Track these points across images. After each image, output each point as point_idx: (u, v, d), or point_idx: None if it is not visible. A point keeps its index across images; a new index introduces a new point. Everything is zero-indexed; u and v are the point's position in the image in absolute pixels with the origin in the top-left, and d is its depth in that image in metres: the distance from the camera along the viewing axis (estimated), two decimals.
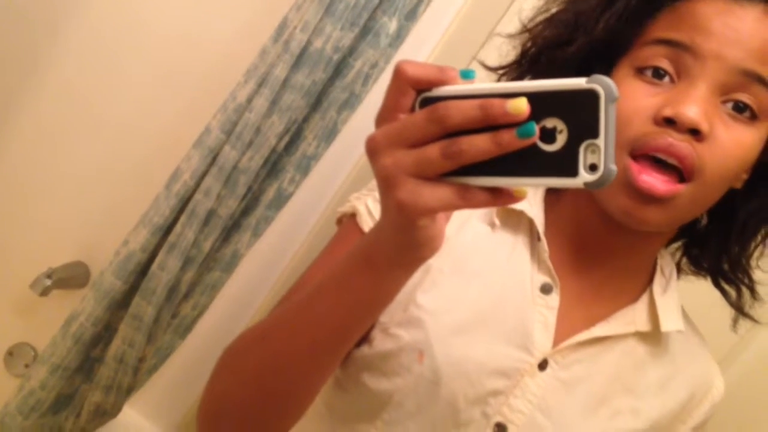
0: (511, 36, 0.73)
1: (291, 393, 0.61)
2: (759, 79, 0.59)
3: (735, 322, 0.77)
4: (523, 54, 0.72)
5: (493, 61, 1.13)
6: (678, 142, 0.59)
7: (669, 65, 0.62)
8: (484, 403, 0.67)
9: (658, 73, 0.62)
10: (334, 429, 0.74)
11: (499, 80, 0.74)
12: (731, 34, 0.59)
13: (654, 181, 0.59)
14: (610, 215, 0.65)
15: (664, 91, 0.61)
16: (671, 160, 0.59)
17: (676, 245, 0.79)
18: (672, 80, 0.62)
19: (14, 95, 1.22)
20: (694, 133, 0.59)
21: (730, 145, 0.60)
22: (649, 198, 0.60)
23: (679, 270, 0.78)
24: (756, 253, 0.75)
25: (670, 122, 0.59)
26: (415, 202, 0.43)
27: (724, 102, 0.60)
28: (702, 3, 0.62)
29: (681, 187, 0.60)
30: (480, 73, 0.75)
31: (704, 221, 0.76)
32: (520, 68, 0.73)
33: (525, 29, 0.72)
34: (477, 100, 0.41)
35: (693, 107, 0.58)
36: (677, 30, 0.62)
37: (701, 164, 0.60)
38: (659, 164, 0.60)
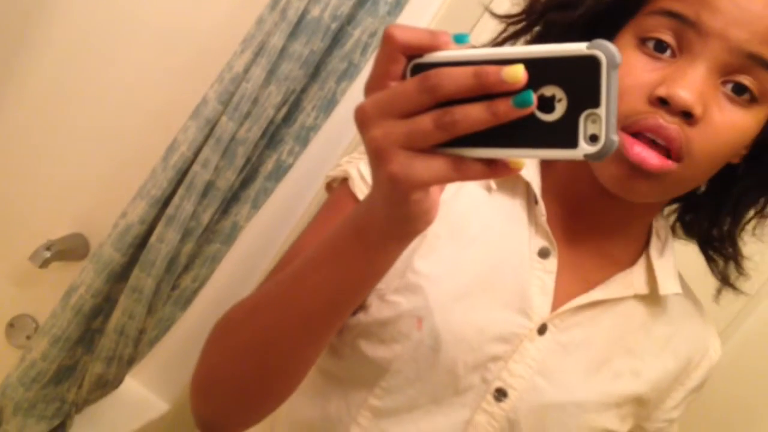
0: None
1: (283, 367, 0.60)
2: (762, 63, 0.57)
3: (718, 292, 0.77)
4: (530, 9, 0.69)
5: (495, 29, 1.12)
6: (667, 125, 0.57)
7: (672, 38, 0.59)
8: (484, 368, 0.67)
9: (661, 46, 0.60)
10: (328, 395, 0.73)
11: (505, 33, 0.72)
12: (738, 14, 0.57)
13: (647, 154, 0.58)
14: (601, 183, 0.64)
15: (663, 67, 0.59)
16: (660, 141, 0.58)
17: (671, 208, 0.79)
18: (674, 54, 0.60)
19: (9, 68, 1.21)
20: (687, 115, 0.57)
21: (722, 128, 0.59)
22: (640, 171, 0.59)
23: (672, 233, 0.78)
24: (749, 227, 0.74)
25: (663, 102, 0.57)
26: (407, 175, 0.41)
27: (724, 83, 0.59)
28: None
29: (673, 165, 0.59)
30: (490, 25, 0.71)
31: (702, 189, 0.75)
32: (525, 22, 0.70)
33: None
34: (471, 68, 0.39)
35: (687, 89, 0.56)
36: (685, 2, 0.59)
37: (689, 147, 0.58)
38: (650, 141, 0.59)
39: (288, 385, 0.63)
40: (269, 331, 0.59)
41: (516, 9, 0.71)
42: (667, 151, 0.59)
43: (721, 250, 0.74)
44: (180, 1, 1.16)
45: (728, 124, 0.59)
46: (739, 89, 0.58)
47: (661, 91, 0.57)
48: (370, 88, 0.44)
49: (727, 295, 0.77)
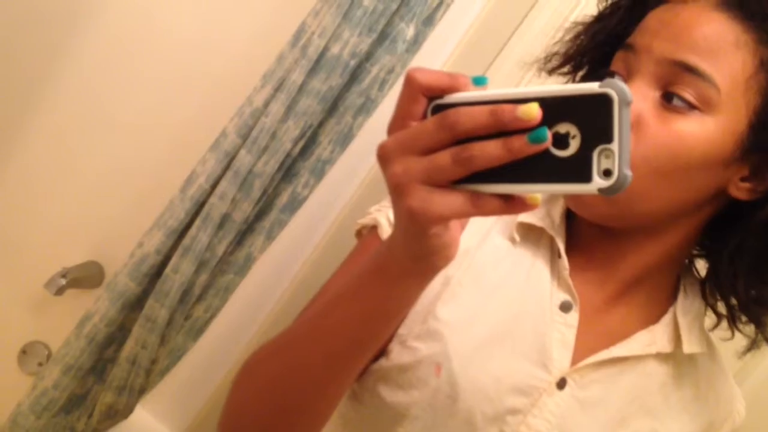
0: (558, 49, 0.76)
1: (305, 407, 0.60)
2: (690, 69, 0.59)
3: (748, 349, 0.72)
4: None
5: (509, 69, 1.14)
6: None
7: (623, 67, 0.64)
8: (502, 421, 0.66)
9: (613, 76, 0.65)
10: None
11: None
12: (663, 29, 0.61)
13: None
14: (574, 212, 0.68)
15: None
16: None
17: None
18: (625, 81, 0.63)
19: (30, 97, 1.23)
20: None
21: (661, 135, 0.60)
22: None
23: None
24: None
25: None
26: (426, 209, 0.42)
27: (664, 95, 0.61)
28: (657, 8, 0.64)
29: None
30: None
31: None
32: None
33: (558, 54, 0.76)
34: (488, 106, 0.40)
35: None
36: (633, 34, 0.65)
37: None
38: None
39: (309, 426, 0.62)
40: (292, 370, 0.60)
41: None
42: None
43: (747, 314, 0.69)
44: (201, 36, 1.19)
45: (666, 132, 0.60)
46: (675, 98, 0.60)
47: None
48: (393, 127, 0.45)
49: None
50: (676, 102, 0.60)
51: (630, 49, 0.63)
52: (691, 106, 0.60)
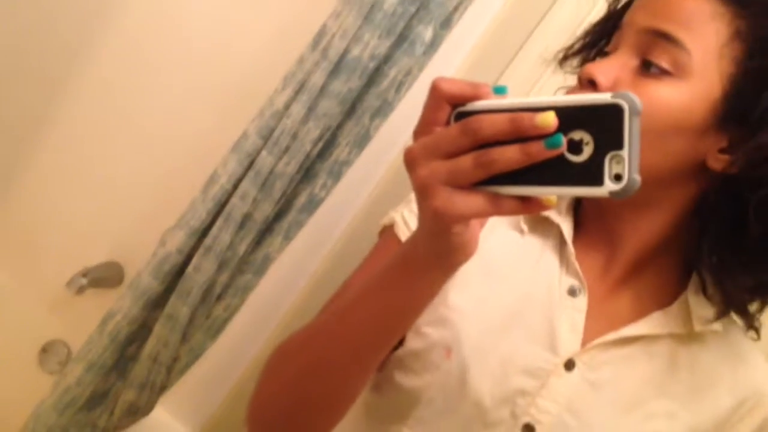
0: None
1: (331, 399, 0.63)
2: (663, 35, 0.62)
3: (749, 327, 0.72)
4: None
5: (524, 71, 1.15)
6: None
7: (615, 44, 0.68)
8: (512, 403, 0.68)
9: (606, 53, 0.70)
10: (370, 430, 0.76)
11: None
12: (647, 3, 0.66)
13: None
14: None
15: None
16: None
17: None
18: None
19: (52, 97, 1.25)
20: (593, 84, 0.64)
21: None
22: None
23: None
24: None
25: (583, 83, 0.66)
26: (449, 209, 0.45)
27: (643, 63, 0.64)
28: None
29: None
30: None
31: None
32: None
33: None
34: (507, 114, 0.43)
35: (596, 66, 0.65)
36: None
37: None
38: None
39: (334, 415, 0.65)
40: (317, 363, 0.63)
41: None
42: None
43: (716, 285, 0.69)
44: (222, 40, 1.20)
45: (641, 96, 0.62)
46: (651, 65, 0.63)
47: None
48: (418, 132, 0.49)
49: None
50: (652, 69, 0.63)
51: (620, 27, 0.68)
52: (665, 72, 0.63)
